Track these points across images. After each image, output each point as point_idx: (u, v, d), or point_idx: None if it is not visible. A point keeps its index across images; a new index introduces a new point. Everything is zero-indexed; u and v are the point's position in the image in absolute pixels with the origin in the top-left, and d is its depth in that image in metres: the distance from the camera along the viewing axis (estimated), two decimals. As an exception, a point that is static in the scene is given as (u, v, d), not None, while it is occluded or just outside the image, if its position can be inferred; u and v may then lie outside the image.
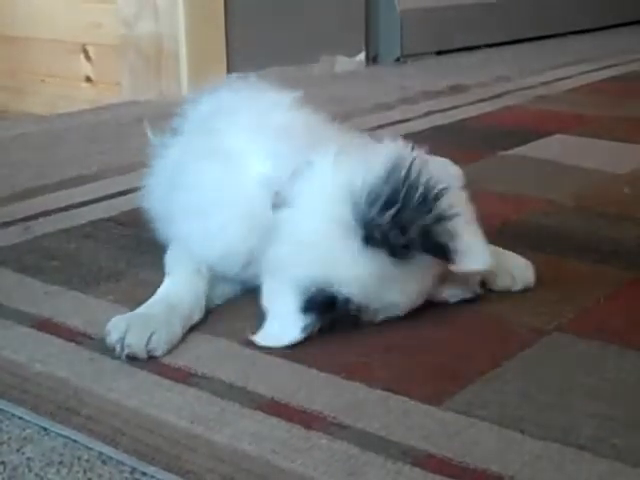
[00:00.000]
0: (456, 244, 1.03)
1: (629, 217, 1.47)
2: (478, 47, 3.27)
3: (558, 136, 2.00)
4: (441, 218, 1.03)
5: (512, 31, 3.40)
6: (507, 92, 2.50)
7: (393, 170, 1.04)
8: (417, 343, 1.06)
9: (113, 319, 1.04)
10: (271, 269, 1.07)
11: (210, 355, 1.03)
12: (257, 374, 0.99)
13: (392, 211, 1.01)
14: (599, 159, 1.80)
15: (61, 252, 1.33)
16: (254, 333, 1.05)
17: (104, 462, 0.86)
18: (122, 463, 0.85)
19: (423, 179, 1.03)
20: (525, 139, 1.95)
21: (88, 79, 2.54)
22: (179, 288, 1.11)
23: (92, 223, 1.46)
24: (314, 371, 0.99)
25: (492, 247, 1.12)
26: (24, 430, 0.91)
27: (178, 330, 1.06)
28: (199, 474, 0.82)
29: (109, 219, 1.48)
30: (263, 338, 1.05)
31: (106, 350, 1.03)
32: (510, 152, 1.86)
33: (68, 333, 1.08)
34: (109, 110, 2.36)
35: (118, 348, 1.01)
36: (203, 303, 1.11)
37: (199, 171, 1.17)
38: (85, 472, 0.84)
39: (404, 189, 1.02)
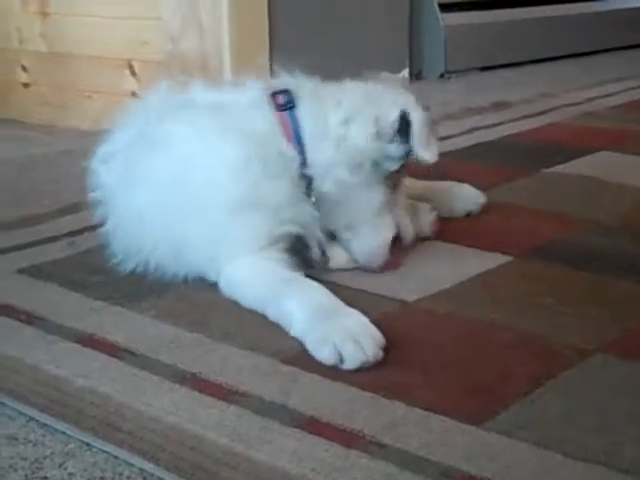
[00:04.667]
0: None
1: (674, 236, 1.45)
2: (522, 63, 3.27)
3: (602, 153, 1.98)
4: None
5: (556, 47, 3.39)
6: (551, 109, 2.49)
7: None
8: (457, 362, 1.06)
9: None
10: None
11: (250, 372, 1.03)
12: (297, 392, 0.99)
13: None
14: (644, 177, 1.78)
15: (105, 267, 1.34)
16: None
17: (145, 478, 0.86)
18: None
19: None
20: (568, 156, 1.94)
21: (134, 94, 2.56)
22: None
23: (135, 239, 1.47)
24: (354, 389, 0.99)
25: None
26: (66, 445, 0.92)
27: None
28: (238, 492, 0.83)
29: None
30: None
31: (148, 366, 1.04)
32: (553, 169, 1.85)
33: (111, 348, 1.09)
34: (154, 126, 2.37)
35: None
36: None
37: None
38: (126, 488, 0.85)
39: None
